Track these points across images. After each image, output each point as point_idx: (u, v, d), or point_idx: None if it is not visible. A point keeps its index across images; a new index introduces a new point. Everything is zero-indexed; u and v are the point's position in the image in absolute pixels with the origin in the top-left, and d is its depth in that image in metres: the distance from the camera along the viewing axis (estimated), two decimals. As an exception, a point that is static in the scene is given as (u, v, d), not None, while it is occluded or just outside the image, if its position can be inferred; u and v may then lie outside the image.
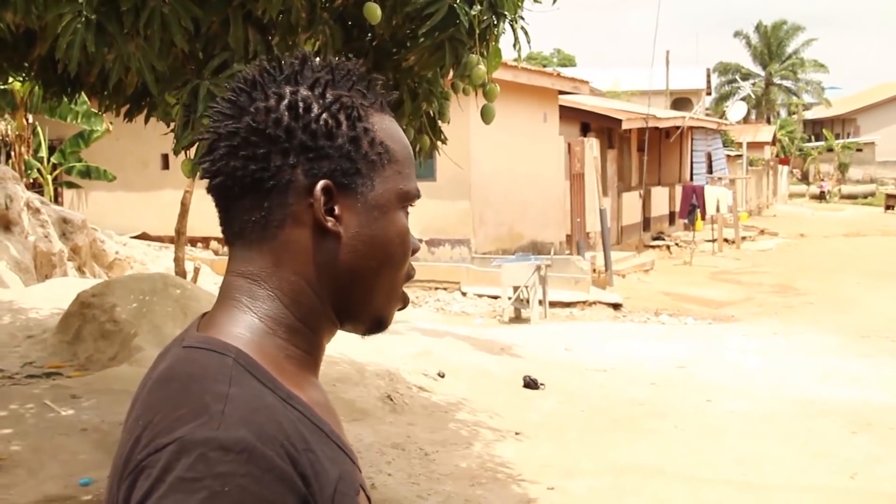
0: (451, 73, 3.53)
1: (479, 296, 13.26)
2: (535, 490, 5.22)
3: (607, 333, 10.68)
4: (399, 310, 1.07)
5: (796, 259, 19.53)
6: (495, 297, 12.63)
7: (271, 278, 0.97)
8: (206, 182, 1.00)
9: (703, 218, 20.86)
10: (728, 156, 29.49)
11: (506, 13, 3.34)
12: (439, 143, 4.01)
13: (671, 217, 23.49)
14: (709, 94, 42.98)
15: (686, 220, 21.44)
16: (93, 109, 12.26)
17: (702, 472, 5.68)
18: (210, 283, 11.40)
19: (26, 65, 4.08)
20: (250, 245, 0.98)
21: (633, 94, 31.83)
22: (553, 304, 12.29)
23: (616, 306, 12.88)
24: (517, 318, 11.82)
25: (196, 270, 11.06)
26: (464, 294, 13.52)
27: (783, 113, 52.96)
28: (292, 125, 0.95)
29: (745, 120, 40.77)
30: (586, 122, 19.09)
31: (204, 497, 0.80)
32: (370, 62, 3.48)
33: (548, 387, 7.55)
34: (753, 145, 33.21)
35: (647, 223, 21.87)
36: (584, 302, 12.82)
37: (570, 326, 11.35)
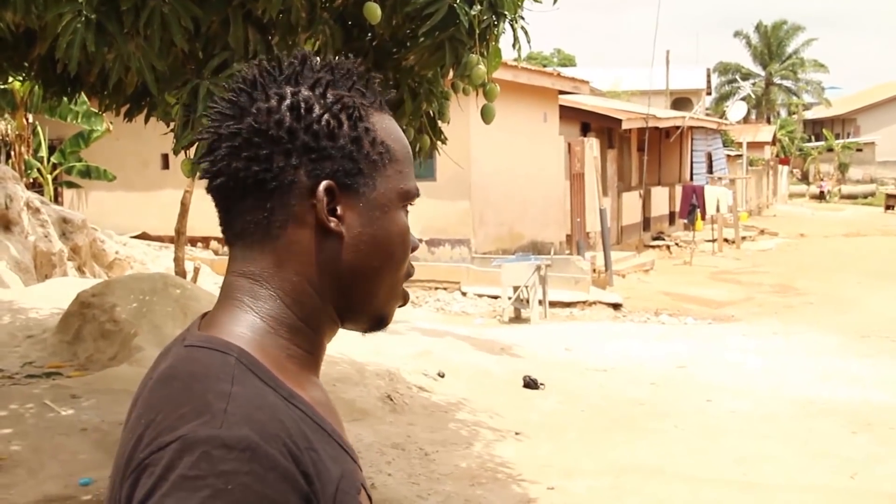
0: (451, 73, 3.53)
1: (479, 296, 13.26)
2: (535, 490, 5.21)
3: (607, 333, 10.68)
4: (399, 307, 1.07)
5: (796, 259, 19.53)
6: (495, 297, 12.63)
7: (273, 278, 0.97)
8: (205, 182, 1.00)
9: (703, 218, 20.86)
10: (728, 156, 29.49)
11: (506, 13, 3.34)
12: (439, 142, 4.01)
13: (671, 217, 23.50)
14: (709, 93, 42.98)
15: (686, 220, 21.44)
16: (93, 109, 12.26)
17: (702, 472, 5.68)
18: (210, 282, 11.40)
19: (26, 64, 4.08)
20: (252, 245, 0.98)
21: (634, 94, 31.83)
22: (553, 304, 12.29)
23: (616, 306, 12.88)
24: (517, 318, 11.82)
25: (196, 270, 11.05)
26: (464, 294, 13.52)
27: (783, 113, 52.96)
28: (294, 126, 0.95)
29: (745, 120, 40.78)
30: (586, 122, 19.09)
31: (207, 495, 0.80)
32: (370, 62, 3.48)
33: (548, 387, 7.55)
34: (753, 145, 33.21)
35: (647, 223, 21.88)
36: (584, 302, 12.82)
37: (570, 326, 11.35)
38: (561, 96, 16.87)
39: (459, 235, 14.23)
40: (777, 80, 50.68)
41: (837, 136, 50.24)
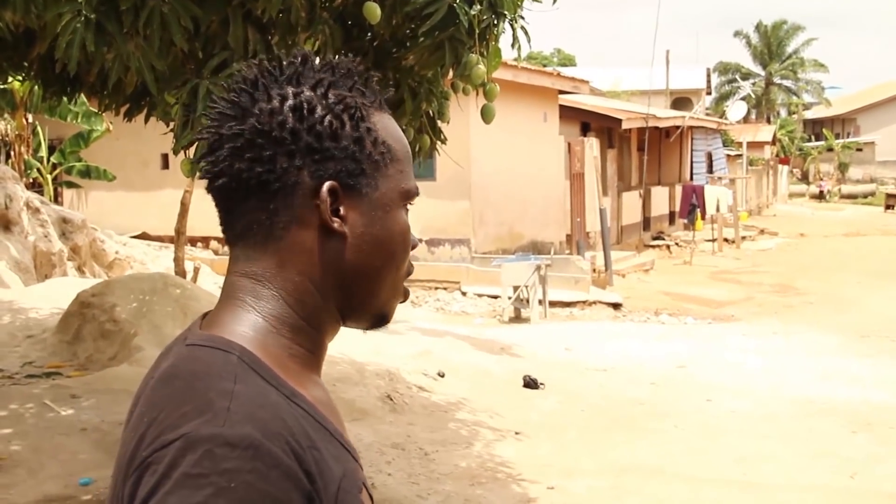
0: (451, 73, 3.52)
1: (479, 295, 13.25)
2: (534, 490, 5.21)
3: (607, 333, 10.68)
4: (400, 303, 1.08)
5: (796, 259, 19.53)
6: (495, 297, 12.63)
7: (276, 278, 0.97)
8: (205, 182, 1.00)
9: (703, 218, 20.86)
10: (728, 155, 29.49)
11: (505, 13, 3.34)
12: (439, 142, 4.01)
13: (671, 217, 23.50)
14: (709, 93, 42.97)
15: (686, 220, 21.44)
16: (92, 109, 12.25)
17: (702, 472, 5.68)
18: (210, 282, 11.40)
19: (26, 64, 4.08)
20: (254, 246, 0.98)
21: (634, 94, 31.82)
22: (553, 304, 12.28)
23: (616, 306, 12.88)
24: (517, 318, 11.81)
25: (196, 270, 11.05)
26: (464, 294, 13.52)
27: (783, 113, 52.96)
28: (297, 127, 0.95)
29: (745, 119, 40.79)
30: (586, 122, 19.09)
31: (210, 493, 0.80)
32: (370, 62, 3.48)
33: (548, 386, 7.55)
34: (753, 145, 33.20)
35: (647, 223, 21.87)
36: (583, 302, 12.82)
37: (570, 326, 11.35)
38: (561, 96, 16.87)
39: (459, 235, 14.23)
40: (777, 79, 50.68)
41: (837, 136, 50.24)
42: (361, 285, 1.01)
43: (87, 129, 13.76)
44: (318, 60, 1.01)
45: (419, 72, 3.59)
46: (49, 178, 14.45)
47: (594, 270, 14.38)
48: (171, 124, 3.40)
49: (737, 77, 48.43)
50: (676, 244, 21.11)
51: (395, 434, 5.94)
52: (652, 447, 6.14)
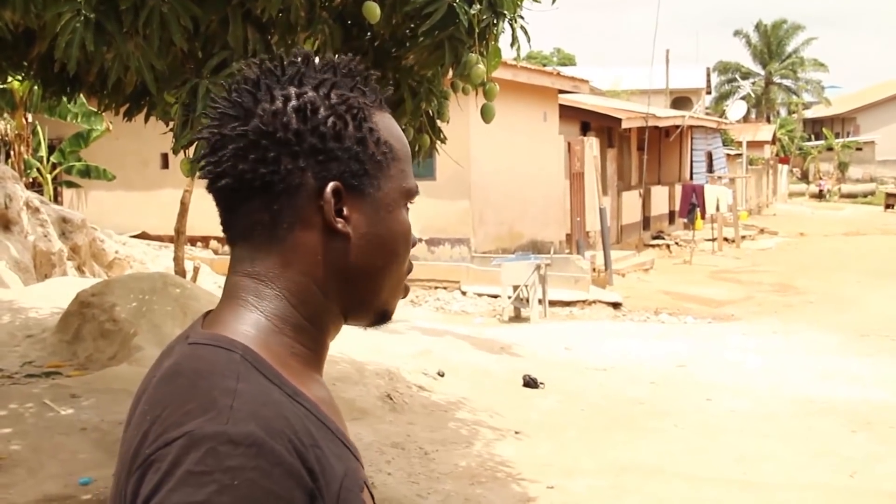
0: (451, 73, 3.53)
1: (479, 295, 13.25)
2: (534, 489, 5.21)
3: (607, 332, 10.68)
4: (401, 299, 1.09)
5: (796, 258, 19.53)
6: (495, 297, 12.63)
7: (279, 279, 0.98)
8: (205, 181, 1.00)
9: (703, 217, 20.86)
10: (728, 155, 29.49)
11: (505, 12, 3.34)
12: (439, 142, 4.01)
13: (671, 216, 23.50)
14: (709, 93, 42.98)
15: (686, 220, 21.44)
16: (92, 108, 12.25)
17: (702, 471, 5.68)
18: (210, 282, 11.40)
19: (25, 64, 4.08)
20: (257, 246, 0.98)
21: (633, 94, 31.81)
22: (553, 304, 12.28)
23: (616, 305, 12.88)
24: (517, 318, 11.81)
25: (196, 270, 11.05)
26: (463, 293, 13.52)
27: (783, 112, 52.97)
28: (301, 128, 0.95)
29: (745, 119, 40.79)
30: (586, 122, 19.10)
31: (213, 490, 0.80)
32: (370, 61, 3.48)
33: (547, 386, 7.55)
34: (753, 144, 33.20)
35: (646, 222, 21.88)
36: (583, 301, 12.82)
37: (570, 325, 11.35)
38: (561, 95, 16.87)
39: (459, 235, 14.23)
40: (777, 79, 50.68)
41: (837, 135, 50.25)
42: (364, 284, 1.01)
43: (87, 128, 13.76)
44: (319, 60, 1.01)
45: (419, 71, 3.59)
46: (49, 177, 14.45)
47: (594, 270, 14.38)
48: (171, 124, 3.40)
49: (737, 76, 48.43)
50: (676, 243, 21.11)
51: (394, 433, 5.94)
52: (652, 446, 6.14)
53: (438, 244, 14.22)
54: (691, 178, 24.59)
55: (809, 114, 53.98)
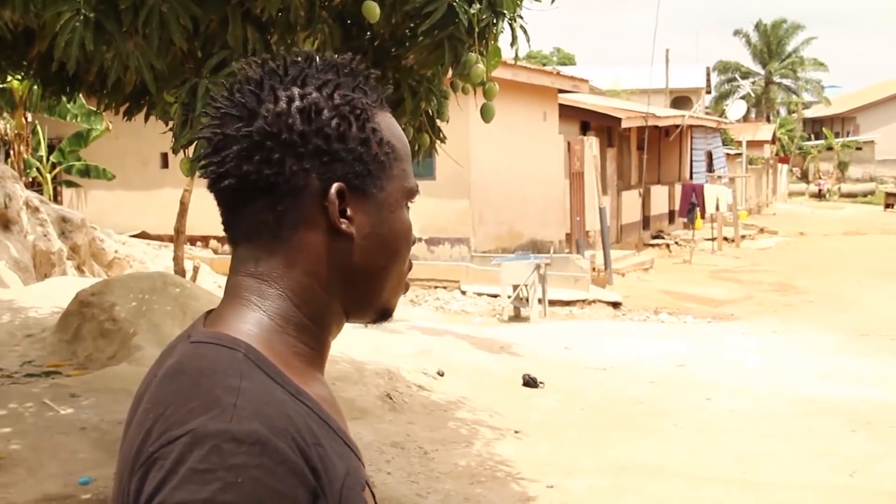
0: (451, 72, 3.52)
1: (479, 294, 13.25)
2: (534, 488, 5.22)
3: (607, 332, 10.68)
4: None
5: (796, 257, 19.53)
6: (495, 296, 12.63)
7: (282, 279, 0.98)
8: (205, 181, 1.00)
9: (703, 216, 20.85)
10: (728, 154, 29.49)
11: (505, 12, 3.34)
12: (438, 141, 4.01)
13: (671, 215, 23.49)
14: (708, 92, 42.98)
15: (686, 219, 21.43)
16: (91, 108, 12.25)
17: (701, 471, 5.68)
18: (209, 281, 11.40)
19: (25, 63, 4.08)
20: (260, 246, 0.98)
21: (633, 93, 31.82)
22: (552, 303, 12.28)
23: (615, 305, 12.88)
24: (517, 317, 11.81)
25: (195, 269, 11.05)
26: (463, 293, 13.52)
27: (783, 111, 52.96)
28: (306, 129, 0.95)
29: (745, 118, 40.78)
30: (586, 121, 19.09)
31: (217, 488, 0.81)
32: (369, 61, 3.48)
33: (547, 385, 7.55)
34: (753, 144, 33.20)
35: (646, 222, 21.88)
36: (583, 300, 12.82)
37: (570, 325, 11.35)
38: (560, 95, 16.87)
39: (459, 234, 14.23)
40: (777, 78, 50.68)
41: (837, 135, 50.24)
42: (367, 284, 1.02)
43: (87, 128, 13.76)
44: (320, 60, 1.01)
45: (418, 71, 3.59)
46: (48, 177, 14.44)
47: (594, 269, 14.38)
48: (171, 123, 3.40)
49: (736, 76, 48.44)
50: (676, 243, 21.11)
51: (394, 433, 5.94)
52: (651, 446, 6.14)
53: (438, 244, 14.22)
54: (691, 177, 24.59)
55: (809, 113, 53.98)
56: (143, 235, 15.44)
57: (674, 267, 18.08)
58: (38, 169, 14.36)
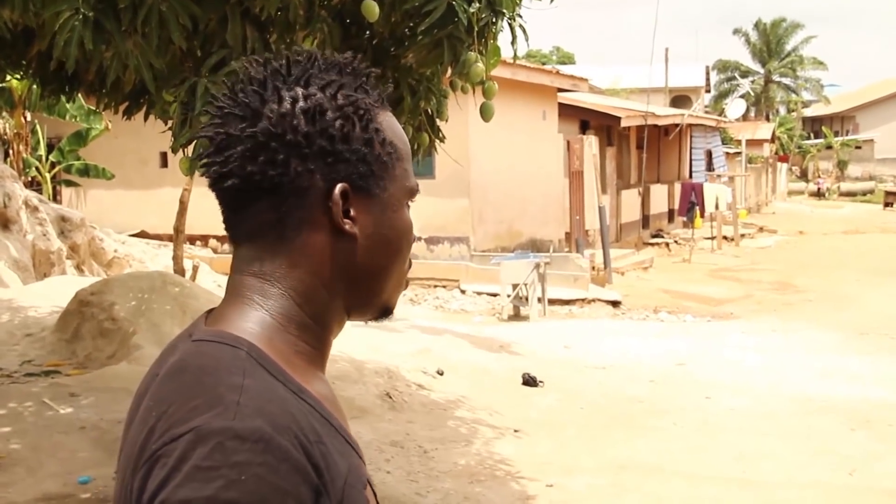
0: (450, 71, 3.52)
1: (478, 293, 13.26)
2: (533, 487, 5.22)
3: (606, 331, 10.68)
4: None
5: (795, 256, 19.54)
6: (494, 295, 12.63)
7: (285, 278, 0.98)
8: (205, 180, 1.00)
9: (703, 215, 20.86)
10: (727, 153, 29.49)
11: (504, 11, 3.34)
12: (438, 141, 4.01)
13: (670, 214, 23.50)
14: (708, 91, 42.98)
15: (685, 218, 21.44)
16: (90, 107, 12.24)
17: (701, 470, 5.68)
18: (209, 280, 11.40)
19: (24, 62, 4.07)
20: (263, 246, 0.99)
21: (633, 92, 31.80)
22: (552, 302, 12.29)
23: (615, 304, 12.88)
24: (516, 316, 11.82)
25: (195, 268, 11.05)
26: (463, 292, 13.52)
27: (782, 110, 52.94)
28: (310, 130, 0.95)
29: (745, 117, 40.75)
30: (585, 120, 19.09)
31: (220, 486, 0.81)
32: (368, 60, 3.47)
33: (547, 384, 7.55)
34: (752, 143, 33.20)
35: (646, 221, 21.88)
36: (583, 299, 12.82)
37: (569, 324, 11.36)
38: (560, 94, 16.86)
39: (458, 233, 14.23)
40: (776, 77, 50.67)
41: (836, 134, 50.23)
42: (370, 283, 1.03)
43: (86, 127, 13.75)
44: (322, 59, 1.01)
45: (418, 70, 3.59)
46: (48, 176, 14.44)
47: (593, 268, 14.38)
48: (170, 122, 3.40)
49: (736, 75, 48.43)
50: (675, 242, 21.11)
51: (394, 432, 5.94)
52: (651, 445, 6.14)
53: (438, 243, 14.22)
54: (690, 176, 24.59)
55: (809, 112, 53.97)
56: (142, 235, 15.44)
57: (673, 266, 18.09)
58: (37, 168, 14.35)
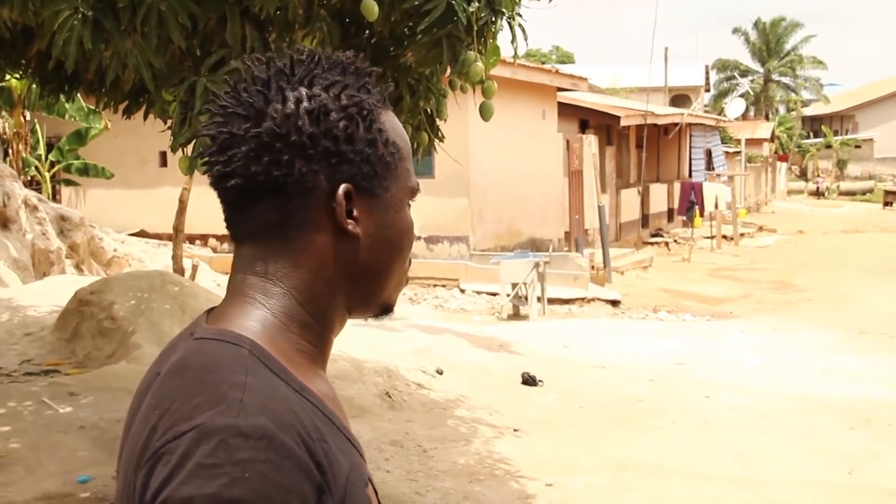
0: (449, 70, 3.52)
1: (478, 293, 13.26)
2: (533, 486, 5.22)
3: (606, 330, 10.68)
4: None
5: (795, 255, 19.55)
6: (494, 294, 12.63)
7: (288, 278, 0.98)
8: (204, 179, 1.00)
9: (702, 214, 20.87)
10: (727, 152, 29.49)
11: (503, 10, 3.34)
12: (437, 140, 4.01)
13: (670, 214, 23.50)
14: (707, 90, 42.98)
15: (685, 217, 21.44)
16: (90, 106, 12.24)
17: (700, 469, 5.68)
18: (208, 280, 11.40)
19: (23, 62, 4.07)
20: (266, 246, 0.99)
21: (632, 91, 31.80)
22: (551, 301, 12.29)
23: (614, 303, 12.89)
24: (516, 315, 11.82)
25: (194, 268, 11.05)
26: (462, 291, 13.52)
27: (782, 110, 52.93)
28: (315, 131, 0.95)
29: (744, 116, 40.73)
30: (585, 119, 19.09)
31: (224, 483, 0.81)
32: (368, 59, 3.47)
33: (546, 383, 7.55)
34: (752, 142, 33.21)
35: (645, 220, 21.88)
36: (582, 299, 12.83)
37: (569, 323, 11.36)
38: (559, 93, 16.86)
39: (458, 232, 14.23)
40: (776, 76, 50.67)
41: (836, 133, 50.21)
42: (371, 282, 1.03)
43: (86, 126, 13.76)
44: (325, 59, 1.01)
45: (417, 69, 3.58)
46: (47, 175, 14.43)
47: (593, 267, 14.38)
48: (169, 122, 3.40)
49: (735, 74, 48.42)
50: (675, 241, 21.11)
51: (393, 431, 5.94)
52: (650, 444, 6.14)
53: (437, 242, 14.22)
54: (690, 175, 24.59)
55: (808, 111, 53.96)
56: (141, 234, 15.44)
57: (673, 265, 18.09)
58: (36, 167, 14.35)
